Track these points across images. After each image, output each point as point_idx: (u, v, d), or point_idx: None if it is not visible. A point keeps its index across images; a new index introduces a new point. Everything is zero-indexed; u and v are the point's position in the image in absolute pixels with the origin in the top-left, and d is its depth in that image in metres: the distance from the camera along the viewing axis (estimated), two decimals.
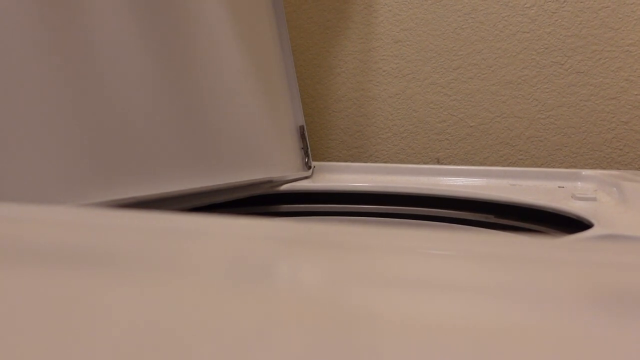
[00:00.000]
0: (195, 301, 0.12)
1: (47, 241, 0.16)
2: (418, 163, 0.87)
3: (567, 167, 0.82)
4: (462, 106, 0.86)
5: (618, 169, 0.80)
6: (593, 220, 0.47)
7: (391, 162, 0.89)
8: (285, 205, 0.67)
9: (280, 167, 0.66)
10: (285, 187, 0.66)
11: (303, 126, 0.72)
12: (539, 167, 0.83)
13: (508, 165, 0.84)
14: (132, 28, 0.45)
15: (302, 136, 0.71)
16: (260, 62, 0.64)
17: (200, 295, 0.12)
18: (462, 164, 0.85)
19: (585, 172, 0.67)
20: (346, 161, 0.90)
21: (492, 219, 0.61)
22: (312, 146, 0.75)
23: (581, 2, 0.80)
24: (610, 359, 0.09)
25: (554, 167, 0.82)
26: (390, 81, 0.88)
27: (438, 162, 0.88)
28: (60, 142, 0.37)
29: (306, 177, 0.70)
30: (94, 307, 0.11)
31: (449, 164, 0.87)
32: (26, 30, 0.36)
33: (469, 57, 0.85)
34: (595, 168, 0.81)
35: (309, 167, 0.71)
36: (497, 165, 0.83)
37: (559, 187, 0.65)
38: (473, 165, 0.83)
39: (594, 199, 0.56)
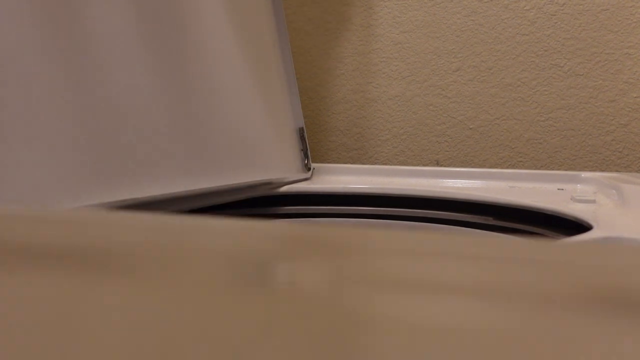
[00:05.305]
0: (194, 303, 0.12)
1: (47, 243, 0.16)
2: (417, 165, 0.87)
3: (566, 170, 0.82)
4: (462, 108, 0.86)
5: (617, 171, 0.81)
6: (592, 223, 0.47)
7: (390, 164, 0.89)
8: (285, 207, 0.67)
9: (280, 168, 0.66)
10: (284, 189, 0.66)
11: (302, 128, 0.72)
12: (539, 169, 0.83)
13: (507, 168, 0.84)
14: (130, 29, 0.45)
15: (302, 138, 0.71)
16: (259, 64, 0.64)
17: (199, 297, 0.12)
18: (461, 166, 0.85)
19: (585, 174, 0.67)
20: (346, 163, 0.90)
21: (491, 221, 0.61)
22: (311, 148, 0.75)
23: (580, 5, 0.80)
24: None
25: (553, 170, 0.82)
26: (389, 83, 0.88)
27: (437, 164, 0.88)
28: (59, 143, 0.37)
29: (305, 179, 0.70)
30: (92, 308, 0.11)
31: (449, 166, 0.87)
32: (25, 30, 0.36)
33: (469, 59, 0.85)
34: (594, 170, 0.81)
35: (309, 169, 0.71)
36: (496, 168, 0.83)
37: (558, 189, 0.65)
38: (472, 167, 0.83)
39: (593, 202, 0.56)
